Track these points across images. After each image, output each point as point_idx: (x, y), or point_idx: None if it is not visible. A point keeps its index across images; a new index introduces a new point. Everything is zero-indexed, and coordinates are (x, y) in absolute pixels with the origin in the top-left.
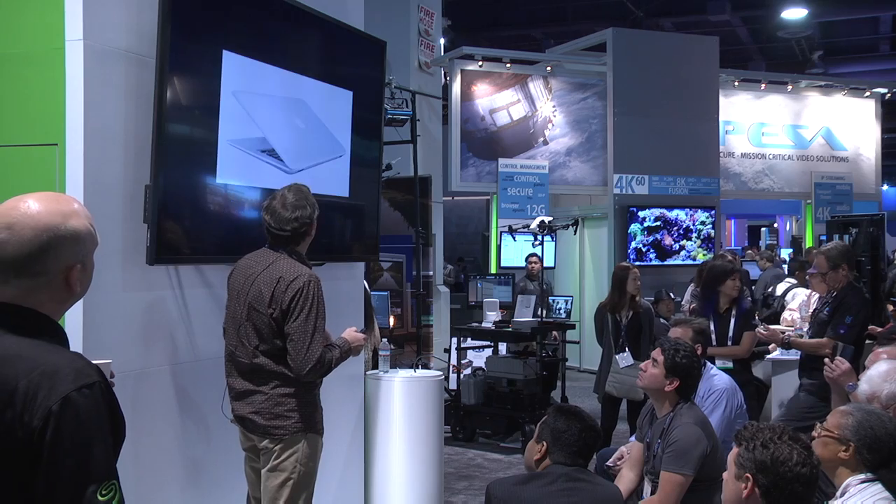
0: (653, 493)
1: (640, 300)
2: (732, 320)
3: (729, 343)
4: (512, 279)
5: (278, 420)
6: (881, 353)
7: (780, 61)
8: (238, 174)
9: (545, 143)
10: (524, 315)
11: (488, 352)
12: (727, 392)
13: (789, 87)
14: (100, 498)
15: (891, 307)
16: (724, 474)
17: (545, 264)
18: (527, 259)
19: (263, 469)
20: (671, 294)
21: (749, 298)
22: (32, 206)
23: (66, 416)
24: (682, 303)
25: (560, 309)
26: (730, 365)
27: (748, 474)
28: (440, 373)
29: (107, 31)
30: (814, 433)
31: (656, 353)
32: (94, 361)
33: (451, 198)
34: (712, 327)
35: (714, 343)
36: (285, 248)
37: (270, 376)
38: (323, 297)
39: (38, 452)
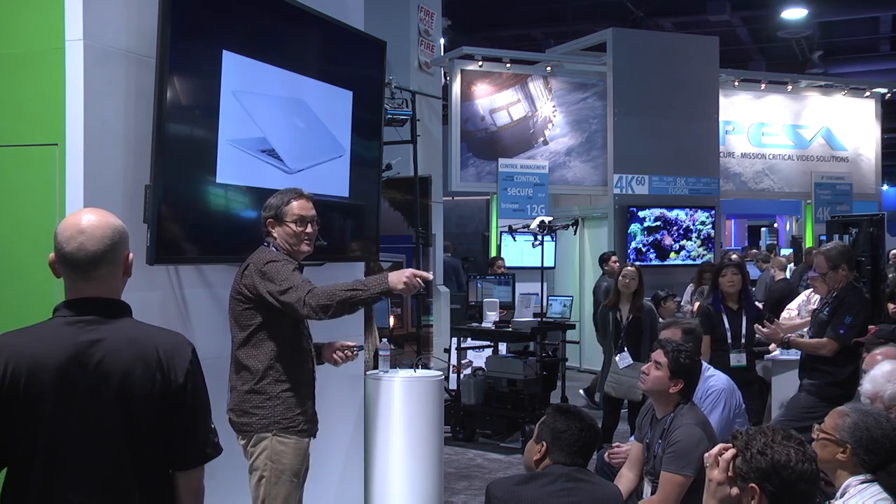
0: (653, 493)
1: (643, 302)
2: (744, 318)
3: (743, 341)
4: (512, 279)
5: (245, 417)
6: (877, 354)
7: (780, 61)
8: (238, 174)
9: (545, 143)
10: (524, 315)
11: (488, 352)
12: (725, 392)
13: (789, 87)
14: (212, 426)
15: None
16: (715, 486)
17: (545, 264)
18: (606, 258)
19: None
20: (671, 294)
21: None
22: (90, 215)
23: (195, 372)
24: (683, 303)
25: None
26: (744, 363)
27: (753, 485)
28: (440, 373)
29: (107, 31)
30: (812, 434)
31: (658, 356)
32: None
33: (451, 198)
34: (727, 325)
35: (730, 342)
36: (266, 239)
37: (240, 368)
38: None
39: (181, 398)
